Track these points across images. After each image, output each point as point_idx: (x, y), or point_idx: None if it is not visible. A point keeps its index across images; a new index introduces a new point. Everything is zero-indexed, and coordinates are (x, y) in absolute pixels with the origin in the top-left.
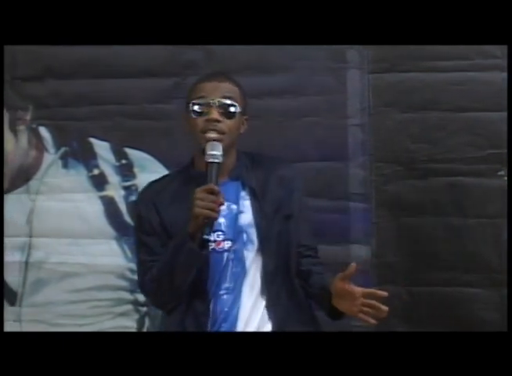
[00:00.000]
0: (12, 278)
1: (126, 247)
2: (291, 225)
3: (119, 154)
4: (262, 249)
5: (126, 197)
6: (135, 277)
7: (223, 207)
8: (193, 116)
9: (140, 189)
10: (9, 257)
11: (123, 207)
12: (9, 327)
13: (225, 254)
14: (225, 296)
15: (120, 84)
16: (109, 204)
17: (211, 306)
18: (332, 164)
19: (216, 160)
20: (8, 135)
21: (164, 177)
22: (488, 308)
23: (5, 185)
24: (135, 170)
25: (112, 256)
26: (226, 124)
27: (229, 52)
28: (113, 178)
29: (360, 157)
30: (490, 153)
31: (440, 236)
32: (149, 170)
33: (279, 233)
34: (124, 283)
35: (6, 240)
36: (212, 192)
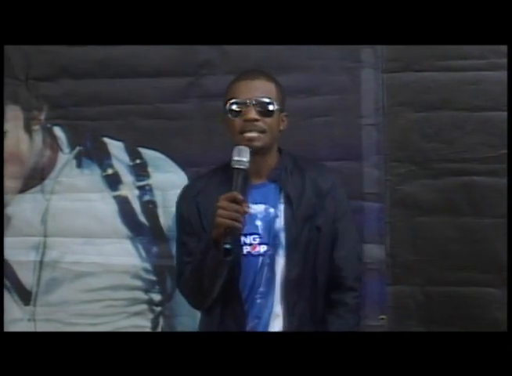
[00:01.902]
0: (26, 277)
1: (140, 247)
2: (321, 236)
3: (133, 154)
4: (288, 255)
5: (140, 197)
6: (150, 277)
7: (260, 210)
8: (231, 116)
9: (154, 188)
10: (23, 256)
11: (137, 206)
12: (24, 326)
13: (260, 259)
14: (258, 301)
15: (135, 83)
16: (124, 204)
17: (246, 309)
18: (346, 163)
19: (242, 167)
20: (23, 135)
21: (204, 175)
22: (503, 308)
23: (20, 184)
24: (149, 170)
25: (126, 256)
26: (265, 122)
27: (244, 51)
28: (127, 177)
29: (374, 157)
30: (504, 153)
31: (454, 235)
32: (164, 170)
33: (307, 243)
34: (138, 283)
35: (21, 240)
36: (235, 200)
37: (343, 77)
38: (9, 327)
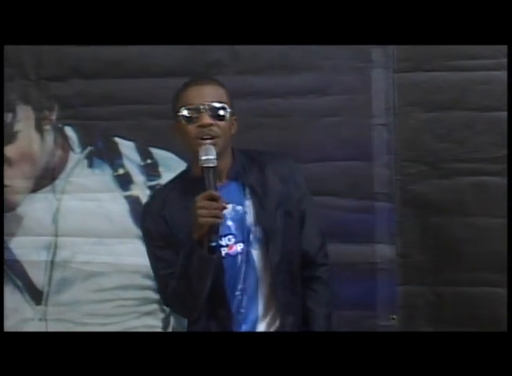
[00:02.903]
0: (37, 277)
1: None
2: (293, 220)
3: (144, 154)
4: (267, 245)
5: None
6: None
7: (229, 210)
8: (184, 123)
9: None
10: (34, 256)
11: None
12: (35, 325)
13: (239, 257)
14: (239, 297)
15: (146, 83)
16: (135, 204)
17: (230, 309)
18: (357, 163)
19: (211, 165)
20: (34, 135)
21: (162, 188)
22: None
23: (31, 184)
24: (160, 169)
25: (137, 256)
26: (219, 126)
27: (254, 51)
28: (138, 177)
29: (385, 157)
30: None
31: (465, 235)
32: (174, 169)
33: (281, 229)
34: (149, 283)
35: (32, 239)
36: (213, 198)
37: (353, 77)
38: (21, 326)
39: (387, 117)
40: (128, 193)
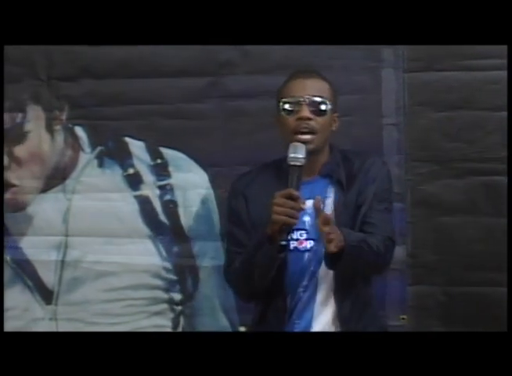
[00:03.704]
0: (48, 277)
1: (161, 247)
2: (363, 209)
3: (154, 154)
4: None
5: (161, 197)
6: (170, 276)
7: (308, 205)
8: (284, 115)
9: (175, 188)
10: (45, 256)
11: (158, 206)
12: (45, 325)
13: (307, 254)
14: (301, 294)
15: (156, 83)
16: (145, 204)
17: (288, 303)
18: None
19: (298, 163)
20: (44, 135)
21: (254, 169)
22: None
23: (42, 184)
24: (170, 169)
25: (147, 255)
26: (318, 122)
27: (264, 51)
28: (148, 177)
29: (395, 156)
30: None
31: (476, 235)
32: (184, 169)
33: (352, 226)
34: (159, 282)
35: (42, 239)
36: (291, 197)
37: (364, 76)
38: (31, 326)
39: (398, 117)
40: (138, 192)
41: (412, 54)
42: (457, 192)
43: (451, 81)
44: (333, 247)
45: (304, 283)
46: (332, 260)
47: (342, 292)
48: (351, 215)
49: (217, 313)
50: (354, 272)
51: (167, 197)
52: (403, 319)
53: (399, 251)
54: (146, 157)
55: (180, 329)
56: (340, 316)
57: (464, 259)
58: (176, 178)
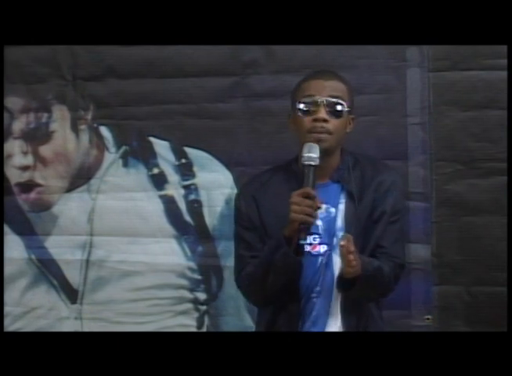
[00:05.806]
0: (73, 276)
1: (186, 246)
2: (377, 229)
3: (179, 153)
4: None
5: (186, 196)
6: (195, 276)
7: (321, 210)
8: (300, 115)
9: (199, 187)
10: (69, 255)
11: (183, 206)
12: (70, 324)
13: (320, 258)
14: (314, 299)
15: (181, 83)
16: (169, 203)
17: (301, 308)
18: (392, 162)
19: (312, 163)
20: (69, 135)
21: (265, 172)
22: None
23: (67, 184)
24: (195, 169)
25: (172, 255)
26: (333, 123)
27: (289, 51)
28: (172, 177)
29: (420, 156)
30: None
31: (501, 235)
32: (209, 169)
33: (365, 238)
34: (184, 282)
35: (67, 239)
36: (308, 196)
37: (389, 76)
38: (56, 325)
39: (423, 117)
40: (162, 192)
41: (436, 53)
42: (482, 192)
43: (476, 80)
44: (351, 274)
45: (317, 288)
46: (345, 284)
47: (348, 307)
48: (364, 227)
49: (241, 313)
50: (360, 294)
51: (192, 197)
52: (428, 319)
53: (424, 251)
54: (171, 156)
55: (205, 328)
56: (346, 328)
57: (489, 259)
58: (200, 177)
